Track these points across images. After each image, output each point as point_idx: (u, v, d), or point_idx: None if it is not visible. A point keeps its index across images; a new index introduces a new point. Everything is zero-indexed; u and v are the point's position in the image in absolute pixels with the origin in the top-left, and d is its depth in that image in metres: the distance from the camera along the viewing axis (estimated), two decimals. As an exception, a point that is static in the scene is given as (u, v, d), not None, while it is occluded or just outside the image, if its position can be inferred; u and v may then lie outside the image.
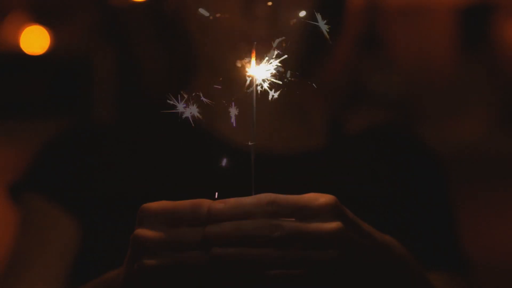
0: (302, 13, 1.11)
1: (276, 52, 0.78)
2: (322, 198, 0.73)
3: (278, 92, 0.78)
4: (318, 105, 1.27)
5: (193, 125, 0.77)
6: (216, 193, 0.75)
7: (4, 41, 1.98)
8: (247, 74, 0.77)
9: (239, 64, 0.78)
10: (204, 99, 0.78)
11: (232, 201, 0.72)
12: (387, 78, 2.00)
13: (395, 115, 1.97)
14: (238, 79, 0.78)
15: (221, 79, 0.80)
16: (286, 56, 0.78)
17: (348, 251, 0.74)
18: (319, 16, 0.78)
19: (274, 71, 0.78)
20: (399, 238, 0.84)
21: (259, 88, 0.78)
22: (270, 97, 0.78)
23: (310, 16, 1.12)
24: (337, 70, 1.89)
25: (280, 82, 0.78)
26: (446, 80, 2.02)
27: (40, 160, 1.20)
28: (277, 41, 0.78)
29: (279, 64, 0.78)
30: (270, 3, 1.08)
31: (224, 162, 0.80)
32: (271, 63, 0.78)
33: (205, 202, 0.72)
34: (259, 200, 0.72)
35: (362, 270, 0.77)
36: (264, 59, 0.78)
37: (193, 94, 0.78)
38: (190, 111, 0.78)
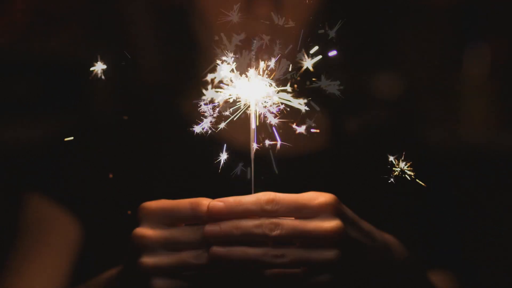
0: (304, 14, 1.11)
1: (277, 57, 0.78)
2: (322, 197, 0.73)
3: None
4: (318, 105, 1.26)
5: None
6: (216, 192, 0.75)
7: (4, 41, 1.98)
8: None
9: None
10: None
11: (232, 200, 0.72)
12: (388, 79, 2.00)
13: (395, 115, 1.97)
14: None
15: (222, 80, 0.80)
16: (280, 54, 0.77)
17: (348, 250, 0.74)
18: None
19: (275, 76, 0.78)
20: (399, 237, 0.84)
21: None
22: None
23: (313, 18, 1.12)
24: (337, 70, 1.89)
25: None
26: (446, 80, 2.02)
27: (41, 159, 1.20)
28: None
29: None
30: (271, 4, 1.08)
31: (224, 161, 0.80)
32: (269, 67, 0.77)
33: (204, 201, 0.72)
34: (258, 199, 0.71)
35: (362, 269, 0.77)
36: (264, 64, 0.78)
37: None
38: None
